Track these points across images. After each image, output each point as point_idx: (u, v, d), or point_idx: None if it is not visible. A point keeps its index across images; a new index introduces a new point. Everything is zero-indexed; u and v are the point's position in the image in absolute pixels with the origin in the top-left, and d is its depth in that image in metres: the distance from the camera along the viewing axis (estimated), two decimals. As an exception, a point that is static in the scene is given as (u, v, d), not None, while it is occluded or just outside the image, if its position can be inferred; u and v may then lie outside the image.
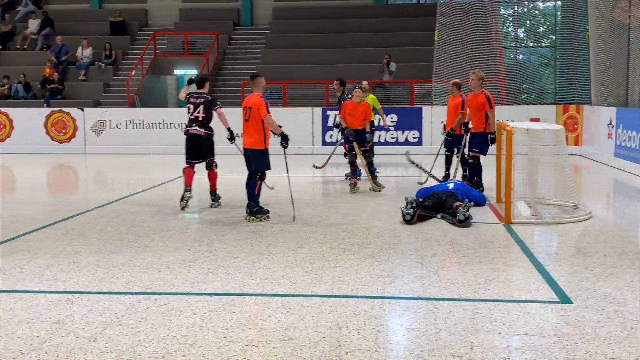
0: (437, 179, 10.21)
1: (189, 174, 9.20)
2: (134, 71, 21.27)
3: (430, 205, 8.37)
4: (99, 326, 4.53)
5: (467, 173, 10.71)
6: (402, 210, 8.12)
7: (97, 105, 20.32)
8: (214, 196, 9.51)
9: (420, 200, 8.41)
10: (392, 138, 17.75)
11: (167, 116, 18.09)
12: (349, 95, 11.10)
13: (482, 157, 10.16)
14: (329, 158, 11.96)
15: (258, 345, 4.20)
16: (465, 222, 7.81)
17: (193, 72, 22.11)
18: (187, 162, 9.25)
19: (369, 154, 10.85)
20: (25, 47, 23.20)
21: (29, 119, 18.37)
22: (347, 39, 22.49)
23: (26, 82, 20.94)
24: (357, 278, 5.72)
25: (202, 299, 5.14)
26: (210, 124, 9.18)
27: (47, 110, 18.77)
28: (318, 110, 17.96)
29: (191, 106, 9.13)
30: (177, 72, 23.35)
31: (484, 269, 5.98)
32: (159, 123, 18.26)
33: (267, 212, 8.45)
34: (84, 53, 21.98)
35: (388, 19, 23.04)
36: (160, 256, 6.52)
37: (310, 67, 21.25)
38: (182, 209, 9.07)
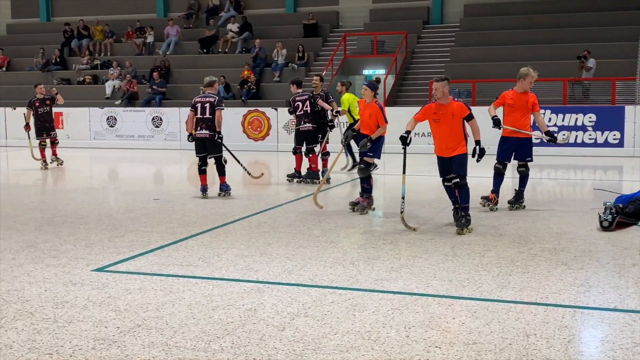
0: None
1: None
2: (324, 72, 21.91)
3: (631, 212, 7.79)
4: (287, 316, 4.72)
5: None
6: (600, 216, 7.63)
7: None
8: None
9: (621, 206, 7.86)
10: (590, 139, 16.74)
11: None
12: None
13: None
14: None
15: (441, 346, 4.14)
16: (671, 231, 7.18)
17: (381, 72, 22.35)
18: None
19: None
20: (226, 50, 24.77)
21: (229, 118, 19.49)
22: (541, 34, 21.55)
23: (226, 83, 22.35)
24: (547, 285, 5.46)
25: (386, 296, 5.17)
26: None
27: (244, 110, 19.93)
28: (508, 110, 17.36)
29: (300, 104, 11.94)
30: (366, 72, 23.73)
31: (692, 283, 5.46)
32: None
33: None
34: (279, 55, 23.04)
35: (587, 14, 21.78)
36: (345, 252, 6.65)
37: (501, 65, 20.63)
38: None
